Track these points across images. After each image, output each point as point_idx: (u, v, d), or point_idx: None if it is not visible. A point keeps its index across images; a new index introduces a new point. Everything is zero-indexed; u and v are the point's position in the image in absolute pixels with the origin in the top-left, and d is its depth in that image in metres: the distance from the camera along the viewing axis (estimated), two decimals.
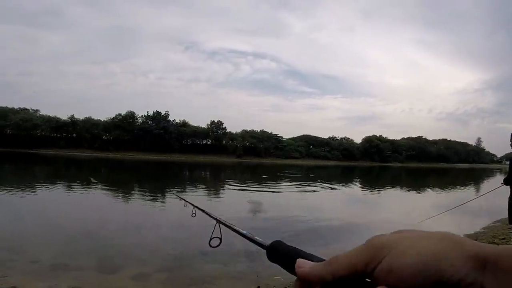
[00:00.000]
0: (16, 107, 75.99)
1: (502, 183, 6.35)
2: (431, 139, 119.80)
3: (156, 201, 12.89)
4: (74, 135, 74.71)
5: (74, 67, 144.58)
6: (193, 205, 1.70)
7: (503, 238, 6.62)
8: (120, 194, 14.29)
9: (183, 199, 2.23)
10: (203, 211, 1.44)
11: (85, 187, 15.69)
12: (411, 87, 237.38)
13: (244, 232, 0.79)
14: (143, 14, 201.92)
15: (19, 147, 63.91)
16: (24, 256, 5.20)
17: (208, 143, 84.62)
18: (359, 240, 0.37)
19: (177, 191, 15.92)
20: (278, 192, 17.36)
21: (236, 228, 0.88)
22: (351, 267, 0.37)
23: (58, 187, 14.89)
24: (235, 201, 13.55)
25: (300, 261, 0.42)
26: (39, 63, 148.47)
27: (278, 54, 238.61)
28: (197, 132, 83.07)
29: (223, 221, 1.05)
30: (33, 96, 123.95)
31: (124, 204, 11.77)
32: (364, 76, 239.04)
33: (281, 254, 0.51)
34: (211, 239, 1.11)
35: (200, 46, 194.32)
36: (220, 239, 1.09)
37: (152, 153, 70.46)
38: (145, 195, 14.78)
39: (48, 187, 14.14)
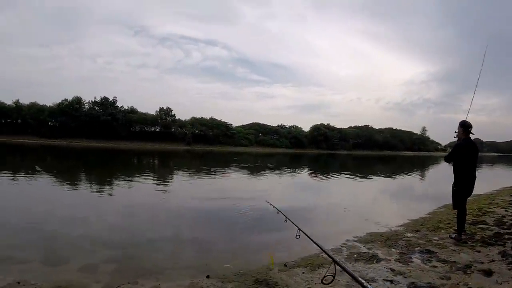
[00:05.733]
0: None
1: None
2: (377, 128, 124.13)
3: (103, 190, 12.39)
4: (19, 121, 69.39)
5: (19, 49, 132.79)
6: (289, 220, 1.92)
7: (448, 223, 6.96)
8: (66, 183, 13.61)
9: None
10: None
11: (30, 176, 14.98)
12: (360, 77, 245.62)
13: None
14: None
15: None
16: None
17: (157, 130, 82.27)
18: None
19: (124, 178, 15.37)
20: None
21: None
22: None
23: (1, 176, 14.09)
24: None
25: None
26: None
27: (230, 41, 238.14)
28: (146, 119, 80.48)
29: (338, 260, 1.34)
30: None
31: (71, 194, 11.20)
32: (313, 65, 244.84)
33: None
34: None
35: (150, 31, 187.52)
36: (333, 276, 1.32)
37: (98, 140, 67.38)
38: (91, 184, 14.28)
39: None
